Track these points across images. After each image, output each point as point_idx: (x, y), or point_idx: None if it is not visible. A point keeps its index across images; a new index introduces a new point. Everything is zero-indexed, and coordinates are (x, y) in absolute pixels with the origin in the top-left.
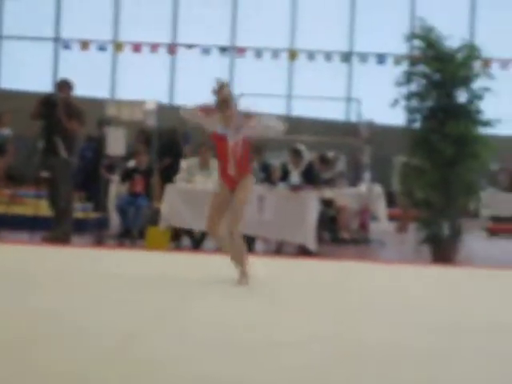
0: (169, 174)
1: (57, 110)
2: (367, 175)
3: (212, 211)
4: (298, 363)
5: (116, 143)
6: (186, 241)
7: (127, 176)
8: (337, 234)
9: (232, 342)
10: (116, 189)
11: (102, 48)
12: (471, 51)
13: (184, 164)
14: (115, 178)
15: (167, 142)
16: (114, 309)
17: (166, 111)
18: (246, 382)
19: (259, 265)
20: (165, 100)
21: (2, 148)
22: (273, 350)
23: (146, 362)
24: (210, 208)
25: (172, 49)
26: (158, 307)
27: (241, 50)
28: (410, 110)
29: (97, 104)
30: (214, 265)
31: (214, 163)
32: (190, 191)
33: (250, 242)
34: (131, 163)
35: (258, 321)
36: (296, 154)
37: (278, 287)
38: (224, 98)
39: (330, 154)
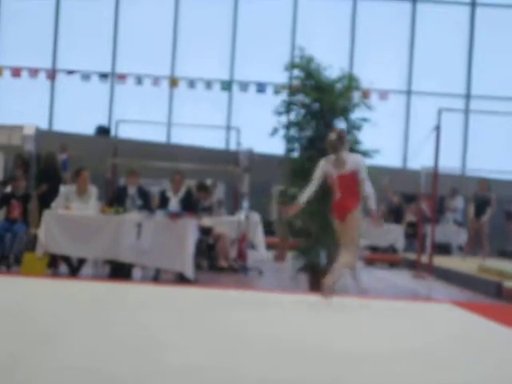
0: (47, 199)
1: None
2: (246, 203)
3: None
4: None
5: None
6: (63, 267)
7: (4, 201)
8: (215, 262)
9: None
10: None
11: None
12: (350, 82)
13: (62, 190)
14: None
15: (46, 168)
16: None
17: (45, 136)
18: None
19: (136, 292)
20: (44, 125)
21: None
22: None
23: None
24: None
25: (52, 74)
26: (31, 333)
27: (121, 77)
28: (289, 140)
29: None
30: (90, 291)
31: (92, 190)
32: (68, 217)
33: (128, 270)
34: (8, 188)
35: (126, 348)
36: (176, 180)
37: (152, 314)
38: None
39: (209, 182)
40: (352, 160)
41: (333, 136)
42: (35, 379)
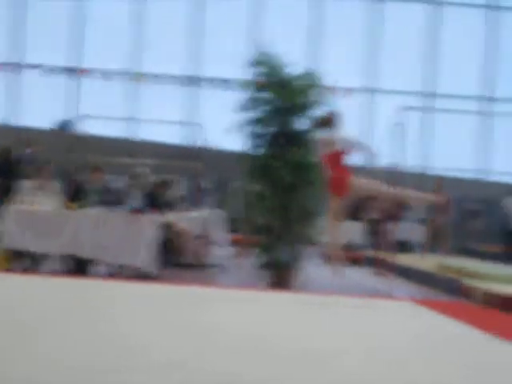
0: (6, 195)
1: None
2: (208, 200)
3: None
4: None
5: None
6: (24, 262)
7: None
8: (177, 258)
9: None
10: None
11: None
12: (312, 79)
13: (24, 185)
14: None
15: (2, 162)
16: None
17: (5, 131)
18: None
19: (99, 288)
20: (4, 119)
21: None
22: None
23: None
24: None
25: (14, 68)
26: None
27: (85, 71)
28: (253, 136)
29: None
30: (51, 287)
31: (54, 185)
32: (29, 213)
33: (88, 265)
34: None
35: (81, 347)
36: (137, 177)
37: (112, 311)
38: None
39: (171, 178)
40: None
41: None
42: None
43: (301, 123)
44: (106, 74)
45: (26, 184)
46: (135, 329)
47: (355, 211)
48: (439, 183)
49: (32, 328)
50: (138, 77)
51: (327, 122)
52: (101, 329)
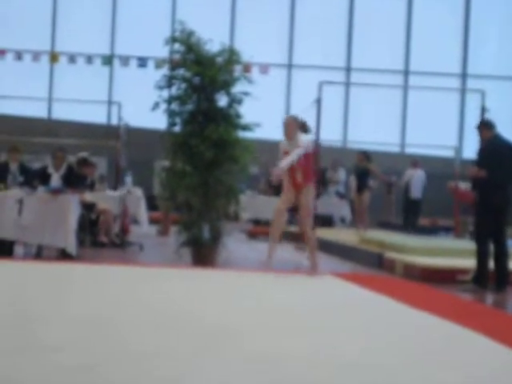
0: None
1: None
2: (128, 179)
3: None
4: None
5: None
6: None
7: None
8: (97, 238)
9: None
10: None
11: None
12: (231, 55)
13: None
14: None
15: None
16: None
17: None
18: None
19: (20, 270)
20: None
21: None
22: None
23: None
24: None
25: None
26: None
27: (0, 52)
28: (171, 114)
29: None
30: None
31: None
32: None
33: (9, 246)
34: None
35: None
36: (57, 156)
37: (35, 293)
38: (284, 125)
39: (85, 155)
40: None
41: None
42: None
43: (221, 100)
44: (22, 54)
45: None
46: (50, 310)
47: (276, 187)
48: (361, 156)
49: None
50: (53, 56)
51: (303, 127)
52: (19, 309)
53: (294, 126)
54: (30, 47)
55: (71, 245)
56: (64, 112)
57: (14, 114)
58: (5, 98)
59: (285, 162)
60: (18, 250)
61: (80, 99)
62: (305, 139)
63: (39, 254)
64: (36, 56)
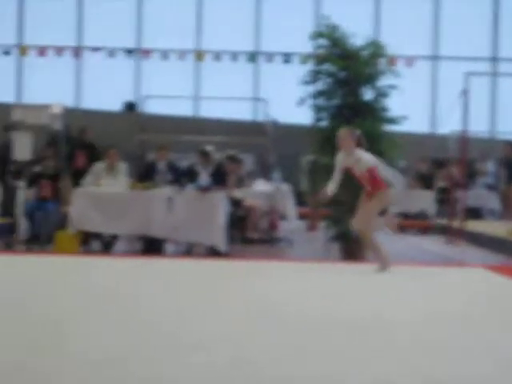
0: (82, 176)
1: None
2: (275, 175)
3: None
4: (205, 363)
5: (22, 148)
6: (95, 244)
7: (34, 181)
8: (246, 234)
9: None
10: (24, 194)
11: (6, 52)
12: (376, 49)
13: (92, 167)
14: (22, 184)
15: (80, 143)
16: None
17: (73, 114)
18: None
19: (171, 267)
20: (71, 103)
21: None
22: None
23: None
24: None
25: (77, 52)
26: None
27: (147, 52)
28: (317, 109)
29: (2, 109)
30: (123, 267)
31: (121, 166)
32: (98, 194)
33: (159, 244)
34: (38, 168)
35: (165, 319)
36: (204, 155)
37: (189, 288)
38: (340, 139)
39: (238, 154)
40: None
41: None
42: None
43: (367, 94)
44: (169, 54)
45: (94, 166)
46: (206, 305)
47: (425, 180)
48: (508, 148)
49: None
50: (198, 55)
51: (359, 141)
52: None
53: (350, 139)
54: (176, 46)
55: (220, 241)
56: (210, 110)
57: (161, 113)
58: (152, 97)
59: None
60: (168, 247)
61: (226, 97)
62: (370, 159)
63: (189, 251)
64: (182, 55)
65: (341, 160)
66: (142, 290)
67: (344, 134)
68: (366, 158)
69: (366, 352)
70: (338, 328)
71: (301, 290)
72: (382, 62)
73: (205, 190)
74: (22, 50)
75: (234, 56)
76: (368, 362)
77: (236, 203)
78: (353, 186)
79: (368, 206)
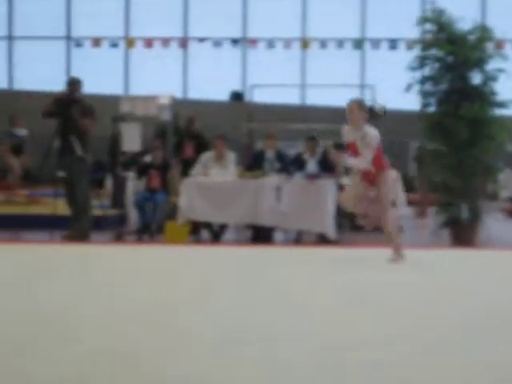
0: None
1: (69, 108)
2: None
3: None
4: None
5: (131, 139)
6: (205, 234)
7: (143, 172)
8: (356, 221)
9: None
10: (133, 185)
11: (113, 44)
12: (483, 33)
13: (200, 157)
14: (131, 175)
15: (188, 133)
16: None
17: (181, 105)
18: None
19: (280, 255)
20: (179, 94)
21: (19, 148)
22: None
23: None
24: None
25: (184, 43)
26: (183, 296)
27: (252, 41)
28: (424, 94)
29: (110, 101)
30: (233, 256)
31: (230, 156)
32: (207, 184)
33: (268, 233)
34: (147, 159)
35: (272, 313)
36: (312, 141)
37: (294, 273)
38: (347, 112)
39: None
40: None
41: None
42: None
43: (475, 78)
44: (274, 42)
45: (202, 156)
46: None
47: None
48: None
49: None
50: (304, 43)
51: (372, 112)
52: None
53: (359, 112)
54: (281, 35)
55: (330, 229)
56: (317, 97)
57: (268, 101)
58: (258, 86)
59: (357, 164)
60: (278, 236)
61: (332, 84)
62: (374, 135)
63: (299, 239)
64: (287, 43)
65: (348, 133)
66: (257, 279)
67: (351, 106)
68: (373, 135)
69: None
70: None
71: (414, 280)
72: (489, 46)
73: (312, 177)
74: (129, 42)
75: (340, 43)
76: None
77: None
78: (460, 171)
79: (383, 191)
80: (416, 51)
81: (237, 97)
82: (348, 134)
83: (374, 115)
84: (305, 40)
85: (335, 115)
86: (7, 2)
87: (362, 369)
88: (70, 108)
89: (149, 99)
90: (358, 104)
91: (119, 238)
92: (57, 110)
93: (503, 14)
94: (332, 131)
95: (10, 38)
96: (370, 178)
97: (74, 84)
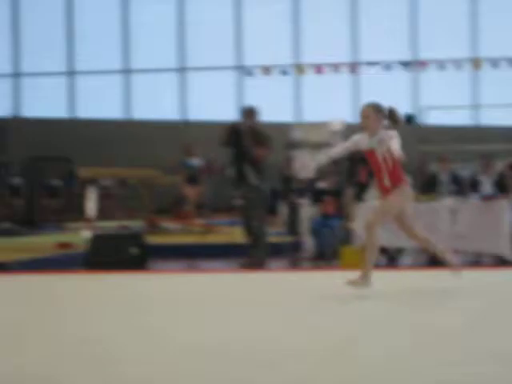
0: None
1: (244, 137)
2: None
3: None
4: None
5: (303, 166)
6: (381, 258)
7: (318, 197)
8: None
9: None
10: (307, 211)
11: (284, 72)
12: None
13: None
14: (305, 201)
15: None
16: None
17: (353, 130)
18: None
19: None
20: (350, 119)
21: (194, 178)
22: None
23: None
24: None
25: (353, 67)
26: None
27: (423, 63)
28: None
29: (282, 128)
30: (410, 280)
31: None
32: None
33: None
34: (321, 184)
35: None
36: (487, 160)
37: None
38: (362, 117)
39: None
40: None
41: None
42: None
43: None
44: (443, 64)
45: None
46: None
47: None
48: None
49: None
50: (476, 63)
51: (392, 117)
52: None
53: (376, 117)
54: (452, 56)
55: (507, 250)
56: (491, 117)
57: (439, 123)
58: (431, 108)
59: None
60: (454, 258)
61: (506, 103)
62: (398, 145)
63: (477, 261)
64: (458, 64)
65: (362, 141)
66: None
67: (366, 110)
68: (394, 142)
69: None
70: None
71: None
72: None
73: (488, 198)
74: (299, 69)
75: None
76: None
77: None
78: None
79: (388, 201)
80: None
81: (409, 119)
82: (364, 143)
83: (394, 122)
84: (476, 60)
85: (510, 135)
86: (177, 34)
87: None
88: (242, 137)
89: (321, 125)
90: (374, 108)
91: (295, 265)
92: (231, 139)
93: None
94: (508, 151)
95: (183, 69)
96: (384, 193)
97: (248, 113)
